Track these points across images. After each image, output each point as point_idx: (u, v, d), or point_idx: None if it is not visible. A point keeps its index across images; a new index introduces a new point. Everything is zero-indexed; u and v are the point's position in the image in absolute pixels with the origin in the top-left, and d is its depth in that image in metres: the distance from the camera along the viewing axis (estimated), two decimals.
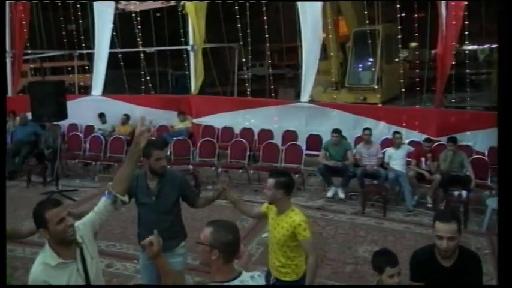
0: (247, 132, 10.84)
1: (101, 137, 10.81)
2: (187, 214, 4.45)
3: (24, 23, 12.70)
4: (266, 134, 10.48)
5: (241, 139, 9.94)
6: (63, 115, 8.77)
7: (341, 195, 8.15)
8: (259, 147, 9.72)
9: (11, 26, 12.66)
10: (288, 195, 3.64)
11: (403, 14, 11.96)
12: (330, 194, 8.23)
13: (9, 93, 12.90)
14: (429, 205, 7.68)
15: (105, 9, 12.31)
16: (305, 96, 10.51)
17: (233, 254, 2.38)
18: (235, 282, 2.37)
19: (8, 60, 12.84)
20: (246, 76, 12.99)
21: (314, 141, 9.79)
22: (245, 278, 2.42)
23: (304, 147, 9.68)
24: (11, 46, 12.78)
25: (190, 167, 9.32)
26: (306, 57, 10.40)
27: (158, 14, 16.33)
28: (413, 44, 18.16)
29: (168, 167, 4.29)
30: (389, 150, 8.09)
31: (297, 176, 8.50)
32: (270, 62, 14.10)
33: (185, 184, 4.06)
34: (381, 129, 9.69)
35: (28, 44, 13.60)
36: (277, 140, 10.13)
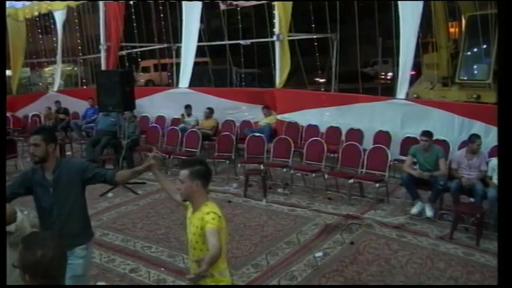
0: (333, 131, 9.70)
1: (178, 130, 10.39)
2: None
3: (118, 16, 12.75)
4: (355, 134, 9.21)
5: (319, 138, 8.83)
6: (130, 105, 8.36)
7: (428, 212, 6.60)
8: (337, 149, 8.50)
9: (105, 19, 12.86)
10: (205, 187, 3.07)
11: None
12: (415, 210, 6.72)
13: None
14: None
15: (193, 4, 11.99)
16: (401, 92, 9.04)
17: (46, 276, 1.82)
18: None
19: (103, 53, 13.06)
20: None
21: (410, 145, 8.27)
22: None
23: (398, 151, 8.34)
24: (105, 39, 12.98)
25: (261, 166, 8.44)
26: (403, 48, 8.92)
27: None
28: None
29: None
30: (495, 161, 6.26)
31: (377, 185, 7.19)
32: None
33: (84, 169, 3.66)
34: (494, 136, 7.84)
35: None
36: (368, 141, 8.84)
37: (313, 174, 7.93)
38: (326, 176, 7.92)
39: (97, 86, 8.50)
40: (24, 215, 2.58)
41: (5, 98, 2.57)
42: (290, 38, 11.07)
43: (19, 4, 14.66)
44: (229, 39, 13.46)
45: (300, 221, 6.72)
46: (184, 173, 3.03)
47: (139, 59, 18.07)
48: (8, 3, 14.31)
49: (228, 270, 3.13)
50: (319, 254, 5.54)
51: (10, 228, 2.66)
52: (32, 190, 3.58)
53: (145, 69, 27.34)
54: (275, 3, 10.74)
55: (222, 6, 14.02)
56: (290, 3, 10.52)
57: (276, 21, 10.82)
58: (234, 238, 6.18)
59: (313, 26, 12.82)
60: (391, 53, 10.87)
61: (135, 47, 15.69)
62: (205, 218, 2.90)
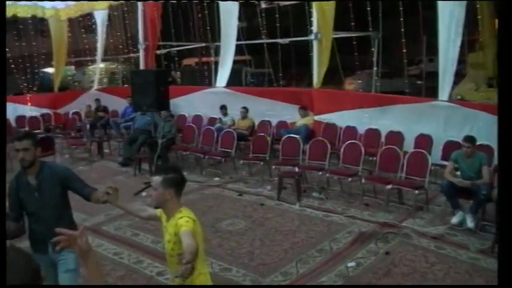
0: (372, 133, 9.39)
1: (214, 129, 10.32)
2: None
3: (156, 16, 12.81)
4: (395, 137, 8.88)
5: (357, 141, 8.54)
6: (164, 105, 8.34)
7: (470, 223, 6.17)
8: (376, 152, 8.19)
9: (143, 19, 12.97)
10: (178, 195, 3.00)
11: None
12: (455, 220, 6.33)
13: None
14: None
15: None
16: (443, 94, 8.63)
17: None
18: None
19: (141, 52, 13.16)
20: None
21: (453, 150, 7.88)
22: None
23: (439, 156, 7.96)
24: (143, 38, 13.08)
25: (296, 169, 8.24)
26: (444, 47, 8.51)
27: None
28: None
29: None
30: None
31: (416, 191, 6.87)
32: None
33: (67, 177, 3.68)
34: None
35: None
36: (409, 145, 8.49)
37: (350, 179, 7.67)
38: (363, 180, 7.61)
39: (132, 86, 8.52)
40: None
41: (5, 98, 2.57)
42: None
43: (62, 4, 14.94)
44: (268, 38, 13.25)
45: (334, 227, 6.48)
46: (157, 179, 2.96)
47: (176, 58, 18.12)
48: (49, 4, 14.63)
49: (207, 275, 3.10)
50: (352, 264, 5.30)
51: None
52: (17, 196, 3.58)
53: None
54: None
55: (263, 5, 13.89)
56: (330, 2, 10.23)
57: (314, 19, 10.58)
58: (264, 243, 6.04)
59: (353, 24, 12.49)
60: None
61: (172, 46, 15.72)
62: (179, 222, 2.85)
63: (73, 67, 22.19)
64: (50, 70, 18.77)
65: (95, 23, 15.97)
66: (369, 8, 11.66)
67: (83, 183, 3.68)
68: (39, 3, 14.77)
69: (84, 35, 17.89)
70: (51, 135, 11.72)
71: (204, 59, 19.18)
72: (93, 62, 18.90)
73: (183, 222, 2.84)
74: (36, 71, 17.43)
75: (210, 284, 3.12)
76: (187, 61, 25.69)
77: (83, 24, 17.42)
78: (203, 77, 16.40)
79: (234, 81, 12.68)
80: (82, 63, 21.08)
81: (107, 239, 6.42)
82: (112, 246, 6.15)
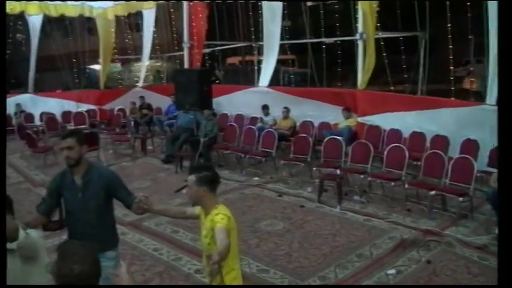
0: (417, 137, 9.14)
1: (255, 129, 10.33)
2: None
3: (201, 16, 12.95)
4: (440, 141, 8.61)
5: (401, 144, 8.31)
6: (206, 104, 8.41)
7: None
8: (420, 157, 7.97)
9: (189, 18, 13.09)
10: (212, 192, 3.16)
11: None
12: None
13: None
14: None
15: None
16: (492, 97, 8.30)
17: None
18: None
19: (186, 51, 13.30)
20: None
21: None
22: None
23: (486, 163, 7.65)
24: (189, 37, 13.22)
25: (338, 171, 8.13)
26: (493, 47, 8.18)
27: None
28: None
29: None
30: None
31: (461, 199, 6.65)
32: None
33: (114, 183, 3.62)
34: None
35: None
36: (455, 150, 8.23)
37: (393, 183, 7.49)
38: (406, 185, 7.41)
39: (175, 84, 8.63)
40: (26, 234, 2.55)
41: (5, 98, 2.63)
42: (375, 36, 10.54)
43: (110, 4, 15.27)
44: (312, 36, 13.12)
45: (374, 232, 6.35)
46: (191, 178, 3.14)
47: (219, 57, 18.24)
48: (97, 4, 14.99)
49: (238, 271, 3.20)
50: (392, 271, 5.18)
51: (12, 245, 2.58)
52: (60, 193, 3.56)
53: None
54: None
55: (308, 3, 13.78)
56: (375, 1, 10.06)
57: (360, 19, 10.41)
58: (302, 246, 5.99)
59: (400, 24, 12.21)
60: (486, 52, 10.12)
61: (216, 45, 15.82)
62: (215, 218, 3.00)
63: (119, 64, 22.67)
64: (96, 67, 19.26)
65: (140, 21, 16.29)
66: (416, 7, 11.40)
67: (127, 191, 3.67)
68: (87, 2, 15.15)
69: (128, 32, 18.22)
70: (96, 131, 11.99)
71: (248, 58, 19.20)
72: (139, 59, 19.30)
73: (218, 219, 2.98)
74: (83, 67, 17.90)
75: (240, 280, 3.19)
76: (231, 60, 25.84)
77: (128, 22, 17.74)
78: (246, 76, 16.41)
79: (271, 80, 12.65)
80: (127, 60, 21.52)
81: (147, 234, 6.53)
82: (152, 242, 6.25)
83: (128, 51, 18.68)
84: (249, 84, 14.37)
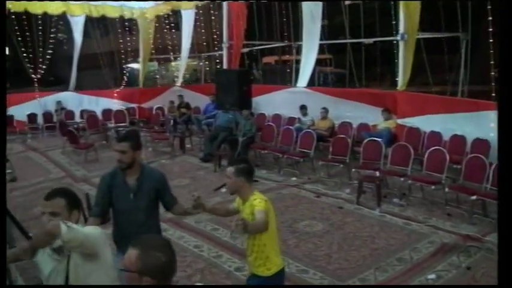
0: (458, 140, 8.97)
1: (293, 129, 10.37)
2: None
3: (240, 16, 13.05)
4: (482, 145, 8.42)
5: (441, 147, 8.19)
6: (246, 104, 8.52)
7: None
8: (461, 161, 7.86)
9: (228, 19, 13.18)
10: (249, 182, 3.55)
11: None
12: None
13: None
14: None
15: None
16: None
17: (168, 278, 2.00)
18: None
19: (225, 50, 13.38)
20: None
21: None
22: None
23: None
24: (228, 37, 13.31)
25: (377, 173, 8.11)
26: None
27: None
28: None
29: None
30: None
31: None
32: None
33: (164, 184, 3.79)
34: None
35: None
36: (496, 154, 8.06)
37: (433, 187, 7.42)
38: (447, 189, 7.31)
39: (216, 84, 8.77)
40: (68, 227, 2.39)
41: (5, 98, 2.67)
42: (417, 37, 10.37)
43: (151, 4, 15.53)
44: (351, 36, 13.01)
45: (414, 236, 6.31)
46: (230, 170, 3.53)
47: (257, 57, 18.27)
48: (138, 4, 15.26)
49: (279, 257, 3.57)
50: (432, 276, 5.14)
51: (56, 244, 2.49)
52: (110, 192, 3.61)
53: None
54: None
55: (347, 2, 13.68)
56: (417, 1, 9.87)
57: (401, 19, 10.26)
58: (342, 247, 6.01)
59: (442, 24, 12.01)
60: None
61: (255, 45, 15.89)
62: (254, 203, 3.40)
63: (156, 63, 23.02)
64: (134, 65, 19.60)
65: (178, 21, 16.50)
66: (458, 8, 11.19)
67: (172, 193, 3.82)
68: (127, 3, 15.43)
69: (165, 31, 18.43)
70: (138, 129, 12.24)
71: (284, 58, 19.19)
72: (176, 58, 19.54)
73: (256, 202, 3.39)
74: (122, 66, 18.24)
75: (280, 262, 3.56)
76: (266, 59, 25.87)
77: (167, 22, 17.97)
78: (283, 76, 16.42)
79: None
80: (164, 59, 21.80)
81: (188, 231, 6.67)
82: (193, 239, 6.38)
83: (165, 50, 18.95)
84: (285, 84, 14.42)
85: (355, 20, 13.78)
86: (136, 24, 16.80)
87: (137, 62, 18.08)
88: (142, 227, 3.55)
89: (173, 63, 24.63)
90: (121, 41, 18.10)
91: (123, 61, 18.20)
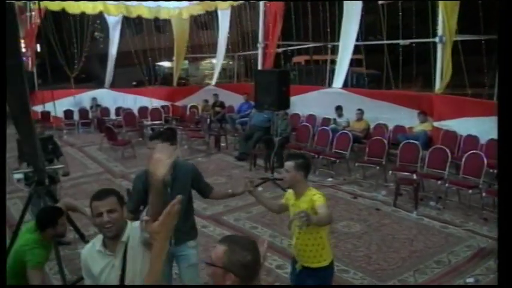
0: (494, 144, 8.76)
1: (329, 130, 10.44)
2: None
3: (278, 16, 13.13)
4: None
5: (478, 151, 8.17)
6: (284, 104, 8.64)
7: None
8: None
9: (264, 19, 13.28)
10: (306, 177, 3.67)
11: None
12: None
13: None
14: None
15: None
16: None
17: (251, 278, 2.01)
18: None
19: (260, 50, 13.51)
20: None
21: None
22: None
23: None
24: (263, 37, 13.42)
25: (414, 176, 8.15)
26: None
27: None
28: None
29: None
30: None
31: None
32: None
33: (197, 173, 4.00)
34: None
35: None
36: None
37: (470, 191, 7.43)
38: (484, 194, 7.31)
39: (255, 84, 8.91)
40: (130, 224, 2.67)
41: (5, 98, 2.75)
42: (455, 39, 10.29)
43: (185, 3, 15.75)
44: (386, 36, 12.90)
45: (452, 240, 6.35)
46: (290, 164, 3.61)
47: (292, 57, 18.28)
48: (173, 4, 15.49)
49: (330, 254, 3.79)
50: (471, 280, 5.20)
51: (123, 238, 2.68)
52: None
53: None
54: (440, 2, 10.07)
55: (380, 2, 13.56)
56: (457, 2, 9.81)
57: (440, 21, 10.20)
58: (381, 249, 6.09)
59: (480, 26, 11.85)
60: None
61: (290, 45, 15.98)
62: (313, 198, 3.51)
63: (186, 61, 23.26)
64: (165, 64, 19.81)
65: (212, 20, 16.67)
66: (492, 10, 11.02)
67: (206, 182, 4.04)
68: (163, 3, 15.66)
69: (199, 30, 18.62)
70: (175, 127, 12.47)
71: (316, 57, 19.15)
72: (208, 57, 19.69)
73: (316, 198, 3.51)
74: (154, 64, 18.46)
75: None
76: (296, 59, 25.81)
77: (199, 21, 18.14)
78: (317, 76, 16.42)
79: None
80: (196, 58, 22.01)
81: (227, 228, 6.83)
82: None
83: (195, 49, 19.14)
84: (318, 85, 14.43)
85: (388, 20, 13.64)
86: (169, 23, 17.01)
87: (169, 60, 18.27)
88: (179, 220, 3.66)
89: (203, 62, 24.87)
90: (153, 39, 18.31)
91: (156, 59, 18.41)
